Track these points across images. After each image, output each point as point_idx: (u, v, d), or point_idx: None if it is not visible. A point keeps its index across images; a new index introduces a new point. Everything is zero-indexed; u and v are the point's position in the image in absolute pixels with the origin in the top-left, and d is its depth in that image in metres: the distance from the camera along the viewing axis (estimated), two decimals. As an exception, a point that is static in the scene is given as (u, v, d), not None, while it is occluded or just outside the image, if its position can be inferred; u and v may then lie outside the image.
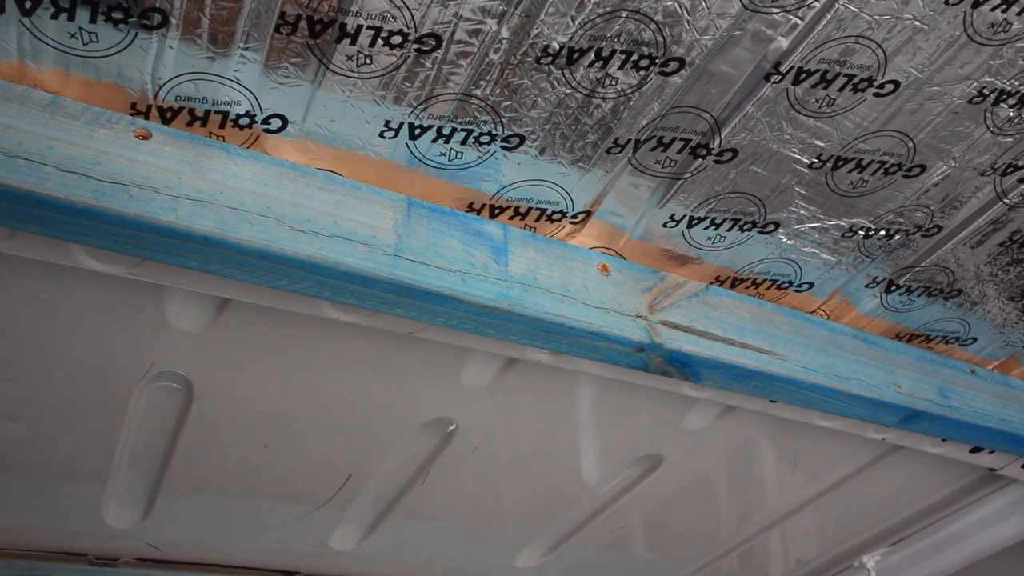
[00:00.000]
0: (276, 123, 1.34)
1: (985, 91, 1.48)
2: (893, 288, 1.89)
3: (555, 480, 2.47)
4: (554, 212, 1.56)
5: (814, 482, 2.74)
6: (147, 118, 1.28)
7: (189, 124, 1.31)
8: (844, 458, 2.59)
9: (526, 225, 1.57)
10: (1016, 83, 1.48)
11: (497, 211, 1.54)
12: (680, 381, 1.84)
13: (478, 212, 1.54)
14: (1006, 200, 1.71)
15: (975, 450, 2.31)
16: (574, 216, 1.58)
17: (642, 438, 2.33)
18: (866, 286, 1.87)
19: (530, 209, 1.55)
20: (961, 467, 2.55)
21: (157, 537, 2.36)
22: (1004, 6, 1.33)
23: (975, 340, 2.11)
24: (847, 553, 3.26)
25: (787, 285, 1.81)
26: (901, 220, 1.71)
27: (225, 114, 1.31)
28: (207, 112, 1.30)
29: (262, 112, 1.31)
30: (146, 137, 1.25)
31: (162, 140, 1.26)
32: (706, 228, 1.63)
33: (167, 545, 2.41)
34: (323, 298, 1.40)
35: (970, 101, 1.49)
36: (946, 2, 1.31)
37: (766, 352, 1.68)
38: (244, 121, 1.32)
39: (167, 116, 1.29)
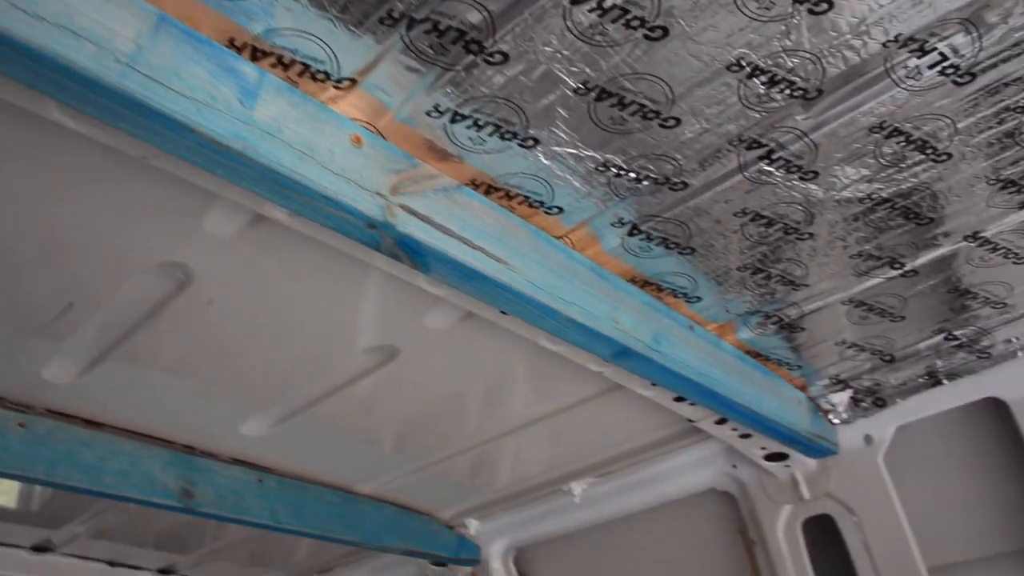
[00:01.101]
0: None
1: (743, 62, 1.57)
2: (635, 232, 2.00)
3: (290, 352, 2.47)
4: (318, 71, 1.52)
5: (543, 403, 2.90)
6: None
7: None
8: (571, 385, 2.75)
9: (288, 78, 1.52)
10: (770, 63, 1.58)
11: (260, 55, 1.48)
12: (414, 272, 1.87)
13: (239, 50, 1.47)
14: (746, 174, 1.85)
15: (679, 399, 2.53)
16: (339, 81, 1.54)
17: (381, 327, 2.37)
18: (611, 224, 1.98)
19: (294, 61, 1.50)
20: (668, 415, 2.78)
21: None
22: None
23: (700, 299, 2.28)
24: (562, 477, 3.49)
25: (539, 204, 1.87)
26: (652, 168, 1.80)
27: None
28: None
29: None
30: None
31: None
32: (469, 127, 1.65)
33: None
34: (46, 94, 1.31)
35: (728, 68, 1.58)
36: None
37: (499, 261, 1.74)
38: None
39: None
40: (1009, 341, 2.54)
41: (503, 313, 2.07)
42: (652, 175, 1.82)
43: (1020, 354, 2.55)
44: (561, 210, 1.90)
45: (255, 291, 2.17)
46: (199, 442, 3.04)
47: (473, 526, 3.92)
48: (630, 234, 2.01)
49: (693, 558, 3.42)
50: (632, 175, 1.82)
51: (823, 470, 2.90)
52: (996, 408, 2.66)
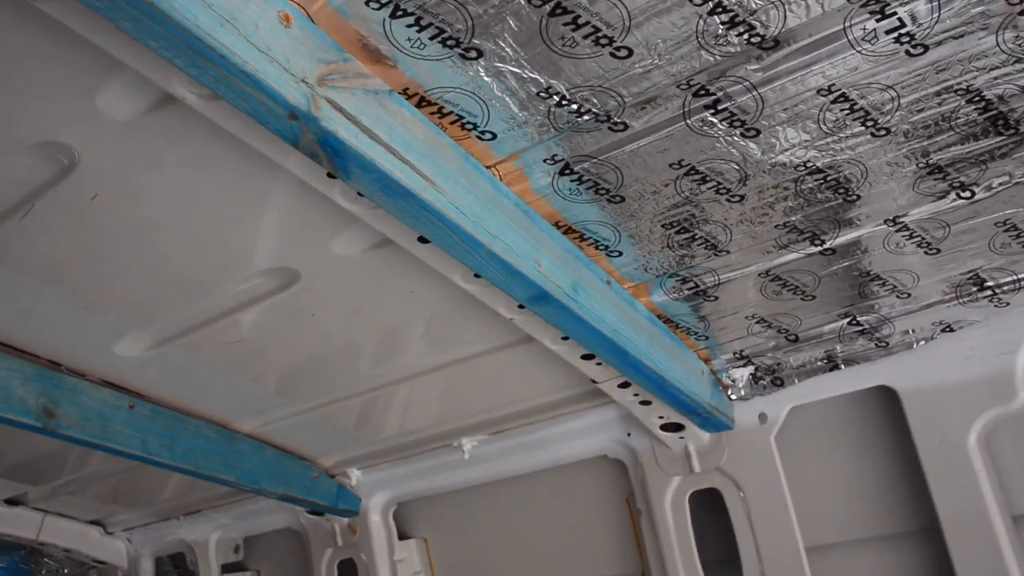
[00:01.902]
0: None
1: (706, -5, 1.50)
2: (567, 172, 1.91)
3: (178, 265, 2.28)
4: (251, -65, 1.36)
5: (444, 351, 2.80)
6: None
7: None
8: (476, 334, 2.66)
9: (215, -62, 1.35)
10: (735, 3, 1.51)
11: (185, -94, 1.31)
12: (330, 182, 1.73)
13: None
14: (689, 122, 1.79)
15: (587, 357, 2.47)
16: (272, -50, 1.38)
17: (284, 247, 2.21)
18: (544, 160, 1.88)
19: (224, -81, 1.33)
20: (570, 376, 2.73)
21: None
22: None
23: (621, 254, 2.22)
24: (453, 432, 3.40)
25: (471, 127, 1.76)
26: (595, 101, 1.71)
27: None
28: None
29: None
30: None
31: None
32: (410, 26, 1.52)
33: None
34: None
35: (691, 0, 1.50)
36: None
37: (425, 178, 1.62)
38: None
39: None
40: (907, 332, 2.59)
41: (421, 241, 1.96)
42: (594, 110, 1.73)
43: (916, 346, 2.60)
44: (494, 136, 1.79)
45: (147, 188, 1.98)
46: (67, 358, 2.80)
47: (355, 476, 3.79)
48: (562, 173, 1.92)
49: (580, 524, 3.40)
50: (574, 106, 1.72)
51: (716, 444, 2.91)
52: (887, 397, 2.71)
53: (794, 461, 2.84)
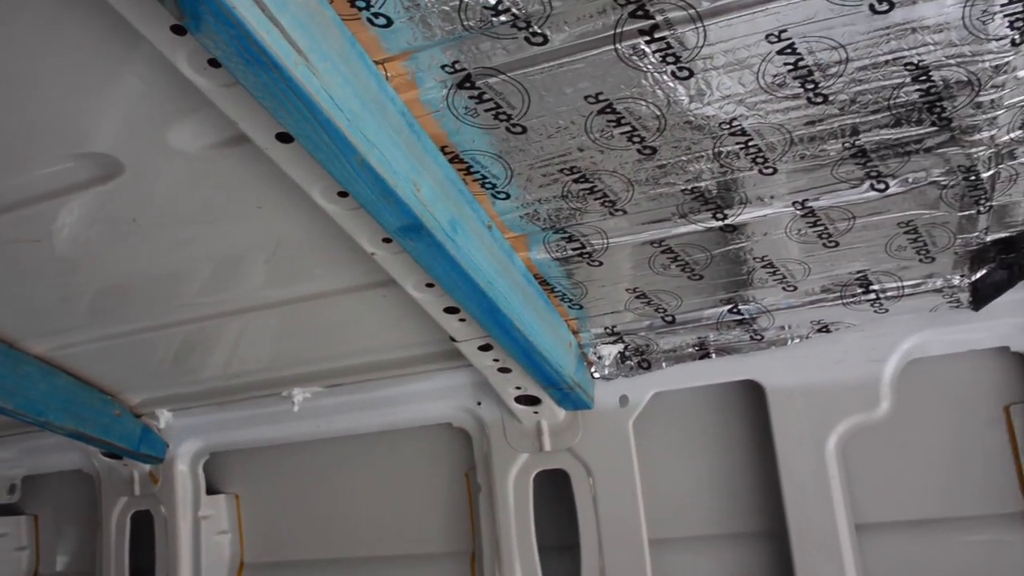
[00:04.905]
0: None
1: None
2: (466, 85, 1.62)
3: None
4: None
5: (287, 285, 2.45)
6: None
7: None
8: (328, 269, 2.32)
9: None
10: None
11: None
12: (177, 41, 1.36)
13: None
14: (618, 47, 1.53)
15: (451, 310, 2.20)
16: None
17: (107, 127, 1.79)
18: (442, 67, 1.58)
19: None
20: (424, 332, 2.46)
21: None
22: None
23: (508, 197, 1.95)
24: (283, 380, 3.05)
25: (364, 6, 1.43)
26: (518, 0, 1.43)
27: None
28: None
29: None
30: None
31: None
32: None
33: None
34: None
35: None
36: None
37: (299, 51, 1.28)
38: None
39: None
40: (784, 328, 2.48)
41: (281, 140, 1.61)
42: (515, 11, 1.45)
43: (790, 343, 2.49)
44: (389, 23, 1.47)
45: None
46: None
47: (164, 418, 3.34)
48: (460, 86, 1.62)
49: (413, 495, 3.13)
50: (492, 0, 1.43)
51: (571, 424, 2.71)
52: (753, 392, 2.60)
53: (650, 449, 2.69)
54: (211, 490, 3.47)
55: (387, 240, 1.89)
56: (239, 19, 1.17)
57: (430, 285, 2.06)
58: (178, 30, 1.37)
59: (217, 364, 2.98)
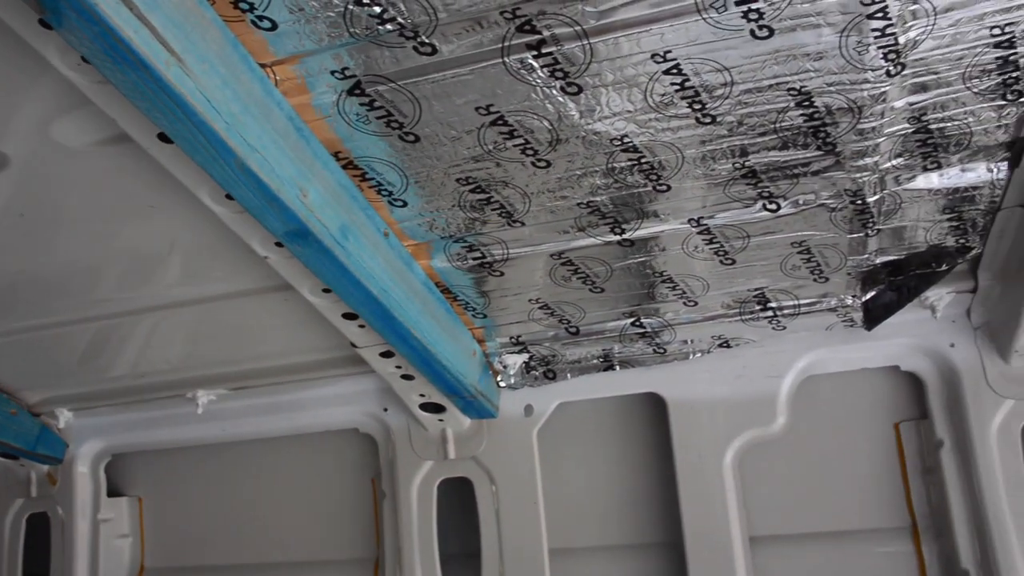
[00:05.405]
0: None
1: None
2: (357, 92, 1.61)
3: None
4: None
5: (187, 286, 2.41)
6: None
7: None
8: (227, 271, 2.29)
9: None
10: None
11: None
12: (46, 36, 1.33)
13: None
14: (507, 60, 1.54)
15: (349, 316, 2.18)
16: None
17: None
18: (331, 72, 1.56)
19: None
20: (328, 337, 2.43)
21: None
22: None
23: (405, 204, 1.95)
24: (188, 381, 2.98)
25: (247, 8, 1.41)
26: (402, 8, 1.42)
27: None
28: None
29: None
30: None
31: None
32: None
33: None
34: None
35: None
36: None
37: (171, 51, 1.26)
38: None
39: None
40: (686, 342, 2.52)
41: (163, 140, 1.58)
42: (401, 19, 1.44)
43: (692, 357, 2.53)
44: (274, 26, 1.45)
45: None
46: None
47: (64, 418, 3.24)
48: (351, 92, 1.61)
49: (319, 501, 3.09)
50: (377, 9, 1.42)
51: (476, 432, 2.71)
52: (656, 405, 2.64)
53: (554, 459, 2.71)
54: (113, 492, 3.37)
55: (280, 244, 1.86)
56: (101, 16, 1.15)
57: (327, 290, 2.04)
58: (45, 24, 1.34)
59: (119, 364, 2.90)
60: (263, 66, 1.54)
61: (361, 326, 2.20)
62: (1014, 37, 1.52)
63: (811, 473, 2.59)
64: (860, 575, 2.57)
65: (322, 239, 1.67)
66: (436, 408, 2.62)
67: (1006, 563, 2.26)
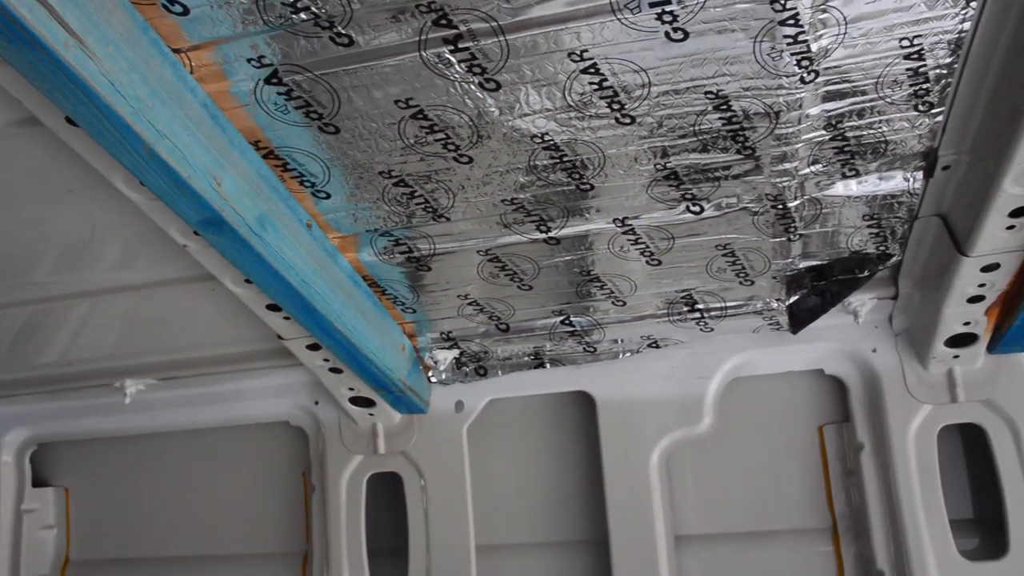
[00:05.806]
0: None
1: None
2: (274, 80, 1.59)
3: None
4: None
5: (110, 273, 2.36)
6: None
7: None
8: (151, 259, 2.25)
9: None
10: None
11: None
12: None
13: None
14: (424, 54, 1.53)
15: (273, 308, 2.16)
16: None
17: None
18: (248, 60, 1.55)
19: None
20: (256, 328, 2.39)
21: None
22: None
23: (329, 196, 1.93)
24: (116, 370, 2.93)
25: (157, -6, 1.39)
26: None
27: None
28: None
29: None
30: None
31: None
32: None
33: None
34: None
35: None
36: None
37: (70, 32, 1.23)
38: None
39: None
40: (616, 341, 2.53)
41: (71, 123, 1.55)
42: (314, 9, 1.43)
43: (622, 357, 2.55)
44: (186, 11, 1.43)
45: None
46: None
47: (-14, 406, 3.18)
48: (268, 81, 1.59)
49: (249, 494, 3.06)
50: (290, -2, 1.41)
51: (407, 427, 2.70)
52: (585, 404, 2.65)
53: (483, 455, 2.71)
54: (38, 482, 3.31)
55: (197, 233, 1.84)
56: (-9, -7, 1.12)
57: (248, 281, 2.02)
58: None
59: (44, 351, 2.84)
60: (177, 51, 1.51)
61: (286, 318, 2.18)
62: (923, 49, 1.55)
63: (736, 474, 2.63)
64: (782, 574, 2.61)
65: (237, 228, 1.66)
66: (366, 402, 2.61)
67: (919, 566, 2.31)
